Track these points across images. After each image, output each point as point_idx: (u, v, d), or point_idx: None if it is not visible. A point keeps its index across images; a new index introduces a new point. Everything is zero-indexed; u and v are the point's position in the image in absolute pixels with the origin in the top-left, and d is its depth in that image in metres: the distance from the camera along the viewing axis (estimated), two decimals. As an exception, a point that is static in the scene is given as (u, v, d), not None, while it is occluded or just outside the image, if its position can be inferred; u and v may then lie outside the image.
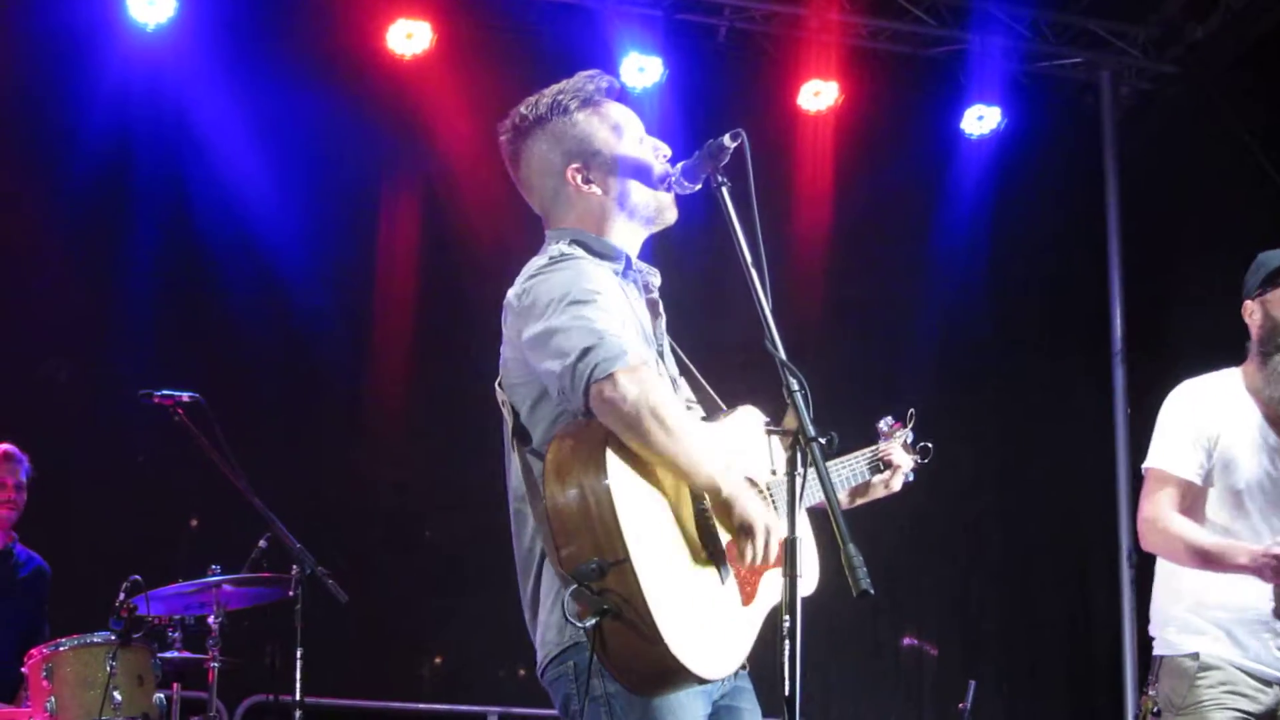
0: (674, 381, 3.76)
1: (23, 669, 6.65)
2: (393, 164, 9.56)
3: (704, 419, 3.76)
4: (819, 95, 10.07)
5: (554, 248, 3.68)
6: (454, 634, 9.15)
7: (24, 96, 8.90)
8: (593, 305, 3.45)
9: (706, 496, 3.44)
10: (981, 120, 10.35)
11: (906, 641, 10.02)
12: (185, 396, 6.62)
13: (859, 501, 4.26)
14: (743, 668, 3.63)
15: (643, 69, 9.54)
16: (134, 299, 8.98)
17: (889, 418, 4.35)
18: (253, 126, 9.13)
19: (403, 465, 9.17)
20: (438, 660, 9.32)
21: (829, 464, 3.83)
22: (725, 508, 3.42)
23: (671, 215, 3.82)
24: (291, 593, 6.58)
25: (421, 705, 9.05)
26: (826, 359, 9.07)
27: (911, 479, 4.32)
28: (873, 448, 4.23)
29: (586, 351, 3.35)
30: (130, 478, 8.64)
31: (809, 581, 3.72)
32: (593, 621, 3.24)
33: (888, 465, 4.23)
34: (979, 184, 10.43)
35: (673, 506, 3.42)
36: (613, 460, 3.32)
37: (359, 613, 6.87)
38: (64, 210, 8.92)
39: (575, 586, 3.25)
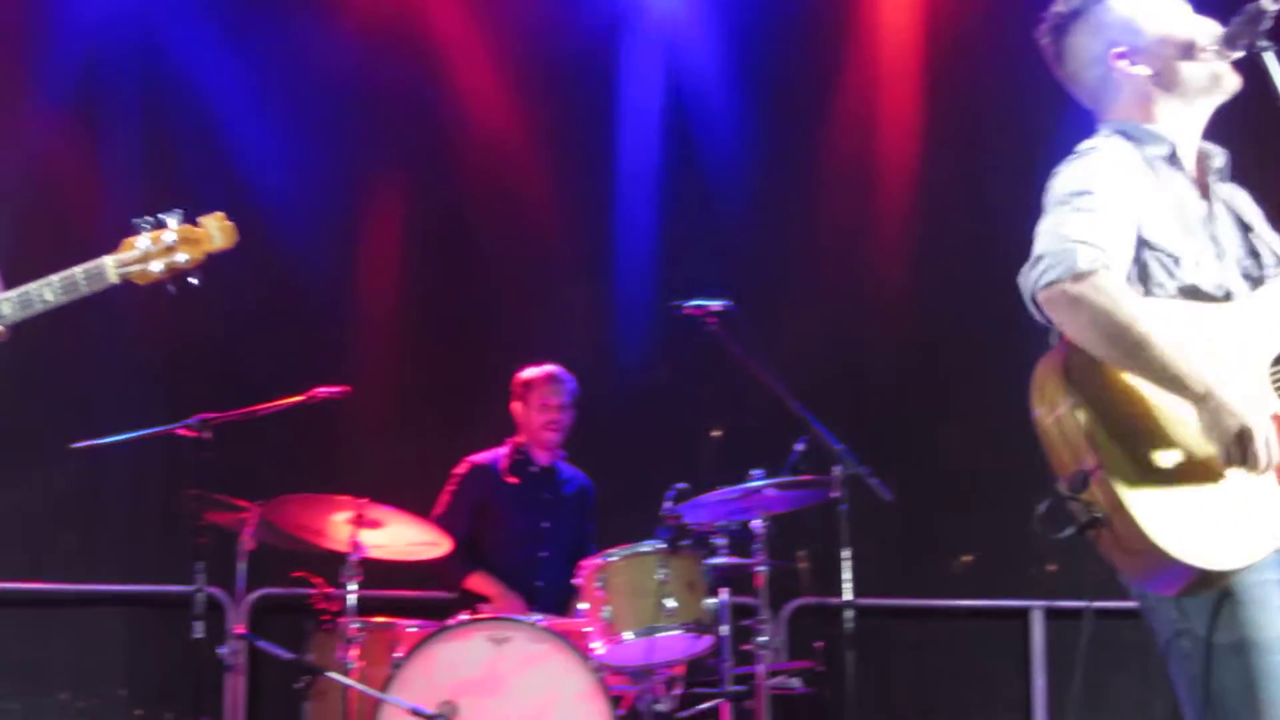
0: (1239, 263, 3.61)
1: (575, 580, 6.85)
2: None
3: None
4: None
5: (1089, 140, 3.64)
6: (982, 531, 9.00)
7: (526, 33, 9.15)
8: (1072, 206, 3.40)
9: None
10: None
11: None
12: (717, 305, 6.64)
13: None
14: None
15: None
16: (639, 215, 9.13)
17: None
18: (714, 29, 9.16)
19: (923, 358, 9.03)
20: (967, 558, 9.19)
21: None
22: (1204, 411, 3.28)
23: (1231, 82, 3.68)
24: (835, 493, 6.55)
25: (964, 602, 8.94)
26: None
27: None
28: None
29: (1037, 261, 3.33)
30: (653, 391, 8.79)
31: None
32: (1069, 532, 3.25)
33: None
34: None
35: (1161, 397, 3.32)
36: (1076, 367, 3.31)
37: (887, 511, 6.79)
38: (558, 137, 9.19)
39: (1053, 500, 3.27)
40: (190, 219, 3.93)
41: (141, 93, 8.87)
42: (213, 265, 3.95)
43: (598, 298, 9.00)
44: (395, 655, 6.50)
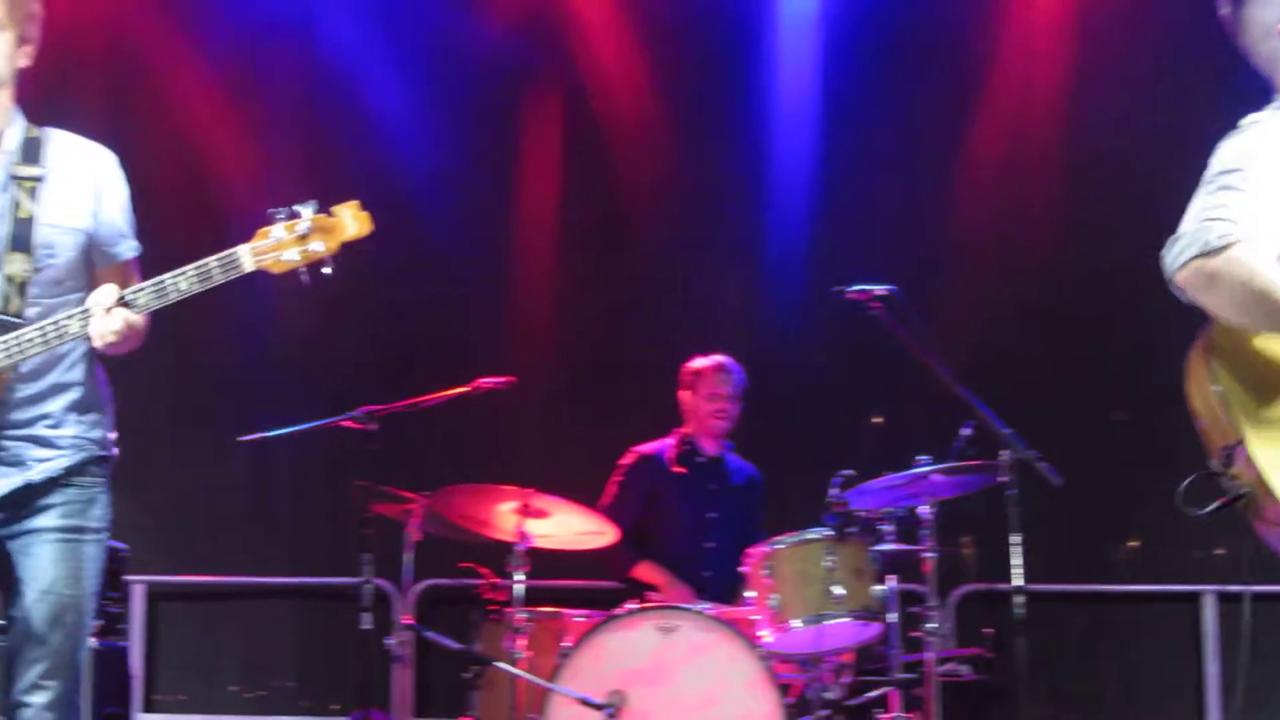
0: None
1: (742, 568, 6.82)
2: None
3: None
4: None
5: (1254, 114, 3.55)
6: (1147, 514, 8.86)
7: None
8: (1219, 185, 3.35)
9: None
10: None
11: None
12: (880, 290, 6.56)
13: None
14: None
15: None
16: (793, 200, 9.07)
17: None
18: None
19: (1090, 341, 8.89)
20: (1133, 542, 9.05)
21: None
22: None
23: None
24: (1003, 478, 6.46)
25: (1134, 587, 8.80)
26: None
27: None
28: None
29: (1175, 241, 3.31)
30: (814, 377, 8.73)
31: None
32: (1212, 508, 3.25)
33: None
34: None
35: None
36: (1219, 346, 3.33)
37: (1056, 495, 6.69)
38: (711, 122, 9.21)
39: (1197, 476, 3.28)
40: (324, 209, 3.93)
41: (299, 85, 9.01)
42: (348, 254, 3.93)
43: (754, 284, 8.97)
44: (563, 645, 6.51)
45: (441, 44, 9.06)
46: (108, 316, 3.88)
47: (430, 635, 6.80)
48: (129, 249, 4.25)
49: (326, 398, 7.33)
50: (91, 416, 4.21)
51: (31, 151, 4.12)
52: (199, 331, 8.28)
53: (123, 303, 3.89)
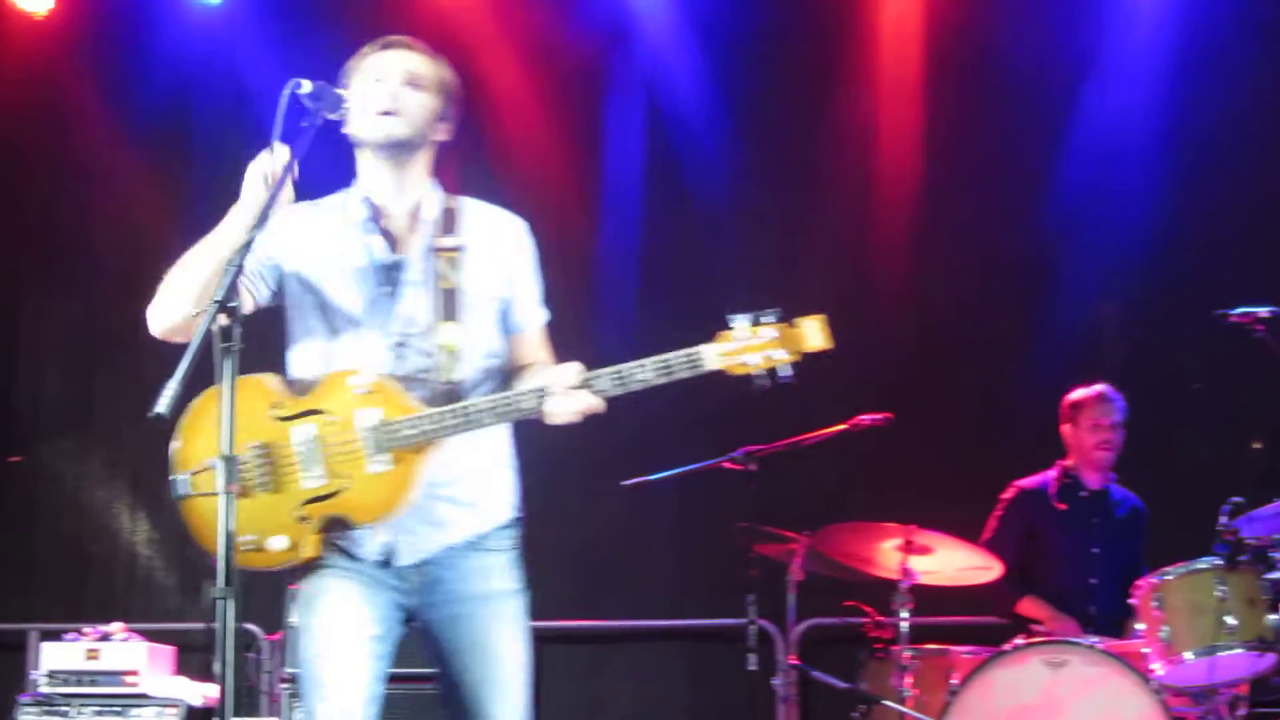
0: None
1: (1130, 601, 6.71)
2: None
3: None
4: None
5: None
6: None
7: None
8: None
9: None
10: None
11: None
12: (1264, 311, 6.42)
13: None
14: None
15: None
16: (1160, 223, 8.90)
17: None
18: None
19: None
20: None
21: None
22: None
23: None
24: None
25: None
26: None
27: None
28: None
29: None
30: (1196, 402, 8.54)
31: None
32: None
33: None
34: None
35: None
36: None
37: None
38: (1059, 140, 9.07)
39: None
40: (786, 318, 3.96)
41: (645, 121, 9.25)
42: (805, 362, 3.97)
43: (1129, 311, 8.81)
44: (951, 682, 6.50)
45: (767, 83, 9.20)
46: (568, 397, 3.95)
47: (817, 675, 6.87)
48: (541, 315, 4.37)
49: (706, 440, 7.44)
50: (508, 479, 4.30)
51: (450, 222, 4.24)
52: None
53: (583, 384, 3.97)
